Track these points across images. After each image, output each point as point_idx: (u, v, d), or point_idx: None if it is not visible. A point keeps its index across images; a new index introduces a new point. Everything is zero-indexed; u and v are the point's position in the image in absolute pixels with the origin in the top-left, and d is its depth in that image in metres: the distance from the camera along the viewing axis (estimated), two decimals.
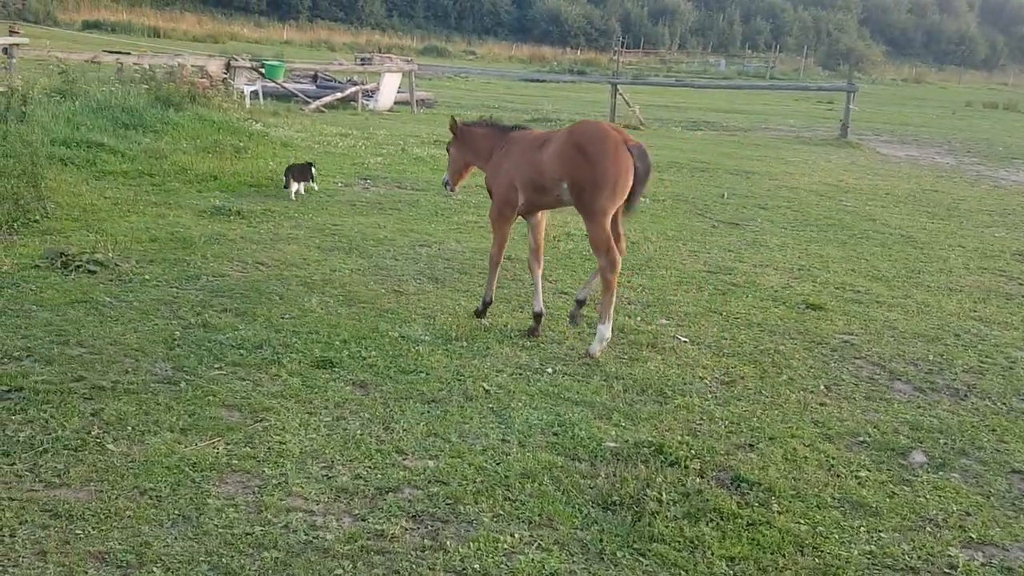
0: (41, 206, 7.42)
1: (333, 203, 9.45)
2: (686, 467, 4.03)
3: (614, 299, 5.54)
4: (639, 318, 6.31)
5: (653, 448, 4.18)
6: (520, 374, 5.11)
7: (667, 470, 4.00)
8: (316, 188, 9.88)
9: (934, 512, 3.88)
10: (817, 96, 35.84)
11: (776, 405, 4.93)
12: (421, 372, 4.98)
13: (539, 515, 3.55)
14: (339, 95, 20.44)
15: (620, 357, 5.51)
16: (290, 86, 20.62)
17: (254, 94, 18.66)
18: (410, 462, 3.94)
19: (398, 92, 21.98)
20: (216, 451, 3.91)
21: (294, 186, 9.44)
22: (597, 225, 5.42)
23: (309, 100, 19.50)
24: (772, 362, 5.61)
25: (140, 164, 10.11)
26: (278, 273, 6.66)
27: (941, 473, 4.25)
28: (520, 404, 4.66)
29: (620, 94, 22.42)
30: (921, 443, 4.56)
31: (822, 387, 5.26)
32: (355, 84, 21.76)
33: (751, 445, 4.38)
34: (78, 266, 6.19)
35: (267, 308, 5.83)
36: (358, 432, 4.18)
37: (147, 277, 6.24)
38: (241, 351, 5.04)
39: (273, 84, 19.53)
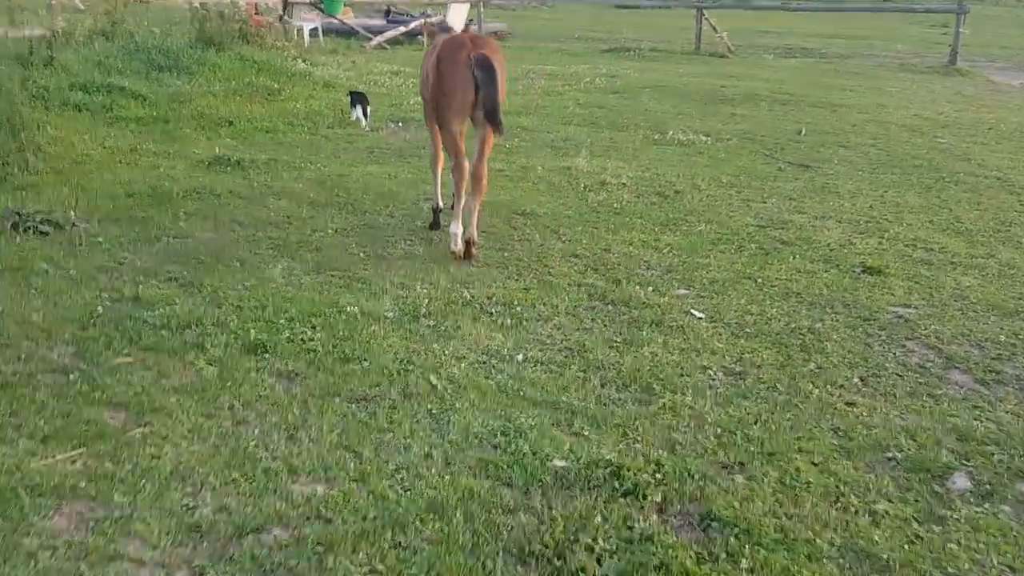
0: (22, 158, 6.90)
1: (351, 149, 8.71)
2: (644, 497, 3.17)
3: (461, 205, 5.81)
4: (651, 287, 5.38)
5: (609, 469, 3.32)
6: (482, 363, 4.29)
7: (618, 502, 3.14)
8: (366, 127, 9.64)
9: (967, 566, 2.92)
10: (930, 19, 32.99)
11: (790, 406, 3.98)
12: (364, 360, 4.22)
13: (427, 573, 2.75)
14: (402, 29, 19.59)
15: (611, 340, 4.62)
16: (352, 21, 19.88)
17: (313, 31, 17.99)
18: (299, 486, 3.20)
19: (468, 24, 20.95)
20: (72, 467, 3.24)
21: (358, 110, 9.73)
22: (446, 133, 5.77)
23: (371, 36, 18.72)
24: (801, 345, 4.63)
25: (159, 109, 9.57)
26: (251, 234, 5.97)
27: (986, 506, 3.26)
28: (466, 405, 3.85)
29: (706, 19, 20.85)
30: (968, 461, 3.56)
31: (856, 380, 4.26)
32: (425, 17, 20.83)
33: (741, 464, 3.47)
34: (29, 227, 5.64)
35: (219, 277, 5.14)
36: (253, 443, 3.45)
37: (100, 240, 5.63)
38: (163, 332, 4.37)
39: (335, 20, 18.80)
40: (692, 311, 5.05)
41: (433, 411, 3.78)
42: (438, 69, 5.63)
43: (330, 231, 6.15)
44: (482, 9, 20.79)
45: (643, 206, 7.23)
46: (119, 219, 6.05)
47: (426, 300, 4.97)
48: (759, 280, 5.60)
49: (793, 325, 4.90)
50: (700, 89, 13.92)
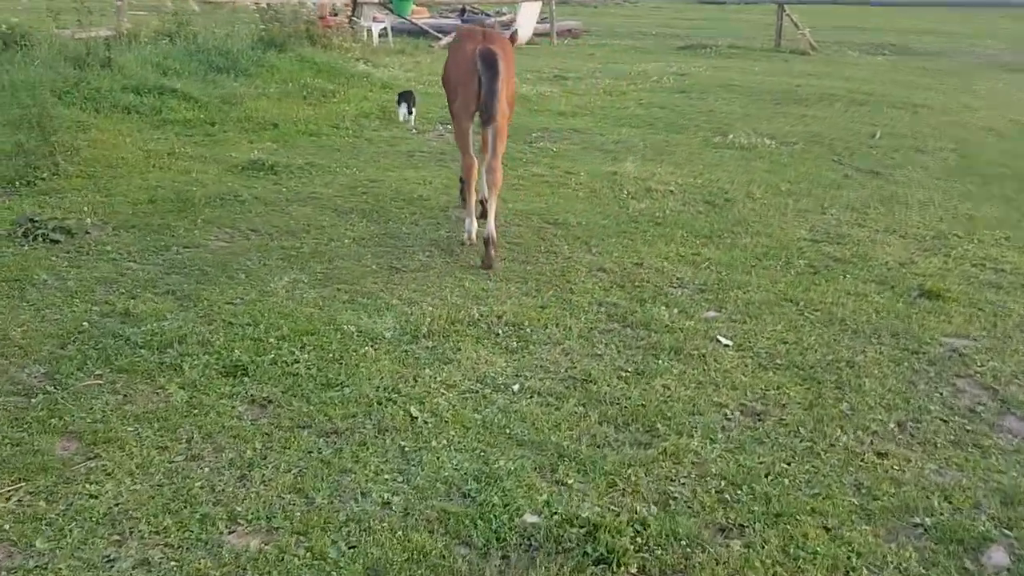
0: (52, 161, 6.82)
1: (391, 153, 8.45)
2: (619, 567, 2.76)
3: (472, 202, 5.87)
4: (678, 309, 4.94)
5: (585, 529, 2.94)
6: (474, 392, 3.94)
7: (587, 572, 2.75)
8: (412, 127, 9.64)
9: None
10: None
11: (811, 455, 3.52)
12: (347, 386, 3.91)
13: None
14: None
15: (621, 369, 4.20)
16: (424, 21, 19.73)
17: (383, 32, 17.88)
18: (234, 538, 2.91)
19: (541, 22, 20.61)
20: (4, 505, 3.01)
21: (403, 108, 9.69)
22: (456, 126, 5.83)
23: (440, 36, 18.51)
24: (836, 381, 4.14)
25: (207, 111, 9.47)
26: (264, 243, 5.73)
27: None
28: (443, 443, 3.50)
29: (787, 15, 20.04)
30: (1010, 531, 3.06)
31: (892, 425, 3.77)
32: (498, 15, 20.55)
33: (740, 527, 3.04)
34: (41, 234, 5.51)
35: (219, 290, 4.91)
36: (200, 483, 3.17)
37: (109, 248, 5.47)
38: (143, 351, 4.14)
39: (403, 20, 18.67)
40: (719, 337, 4.61)
41: (406, 449, 3.45)
42: (446, 62, 5.81)
43: (347, 240, 5.88)
44: (554, 7, 20.35)
45: (688, 215, 6.77)
46: (135, 226, 5.89)
47: (430, 318, 4.64)
48: (801, 303, 5.10)
49: (831, 357, 4.40)
50: (772, 88, 13.27)
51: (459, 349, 4.36)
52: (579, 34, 22.72)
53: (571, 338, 4.56)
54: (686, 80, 14.07)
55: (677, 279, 5.45)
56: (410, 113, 9.87)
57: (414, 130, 9.61)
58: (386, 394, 3.86)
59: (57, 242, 5.48)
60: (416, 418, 3.67)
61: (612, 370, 4.20)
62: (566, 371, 4.19)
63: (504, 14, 21.79)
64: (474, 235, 5.83)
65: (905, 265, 5.81)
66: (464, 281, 5.31)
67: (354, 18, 17.35)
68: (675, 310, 4.94)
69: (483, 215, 5.82)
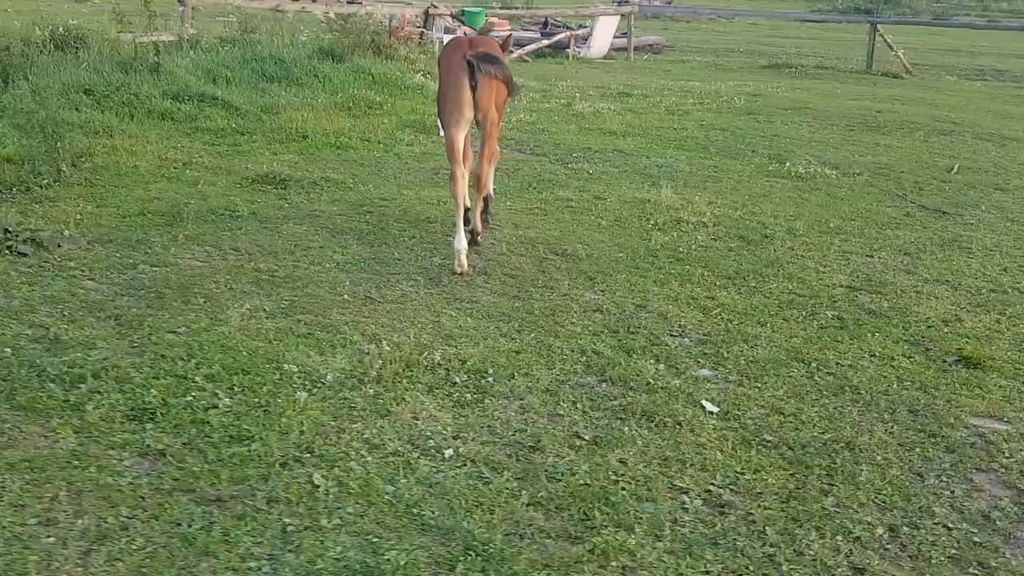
0: (54, 168, 6.63)
1: (416, 170, 8.03)
2: None
3: (460, 213, 5.60)
4: (669, 363, 4.36)
5: None
6: (398, 456, 3.45)
7: None
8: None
9: None
10: None
11: (771, 565, 2.91)
12: (256, 441, 3.47)
13: None
14: (545, 43, 18.94)
15: (578, 436, 3.66)
16: (497, 34, 19.35)
17: None
18: None
19: (619, 37, 20.04)
20: None
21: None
22: (445, 135, 5.68)
23: (512, 50, 18.10)
24: (827, 467, 3.51)
25: (243, 121, 9.26)
26: (240, 265, 5.36)
27: None
28: (336, 522, 3.02)
29: (881, 35, 18.99)
30: None
31: (882, 530, 3.12)
32: (571, 29, 20.09)
33: None
34: (9, 246, 5.26)
35: (168, 316, 4.55)
36: (36, 558, 2.77)
37: (73, 264, 5.18)
38: (53, 385, 3.79)
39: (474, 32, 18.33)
40: (704, 402, 4.01)
41: (289, 528, 2.97)
42: (438, 70, 5.80)
43: (331, 264, 5.47)
44: (633, 21, 19.75)
45: (715, 252, 6.15)
46: (113, 240, 5.61)
47: (386, 360, 4.18)
48: (814, 364, 4.46)
49: (829, 435, 3.76)
50: (849, 113, 12.42)
51: (402, 400, 3.87)
52: (661, 49, 22.07)
53: (535, 392, 4.03)
54: (758, 101, 13.32)
55: (679, 327, 4.86)
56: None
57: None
58: (297, 453, 3.40)
59: (24, 255, 5.22)
60: (318, 487, 3.19)
61: (567, 436, 3.65)
62: (514, 434, 3.66)
63: (585, 27, 21.29)
64: (463, 259, 5.47)
65: (948, 323, 5.08)
66: (441, 316, 4.83)
67: (424, 30, 17.09)
68: (664, 365, 4.36)
69: (467, 223, 5.81)
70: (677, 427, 3.77)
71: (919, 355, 4.63)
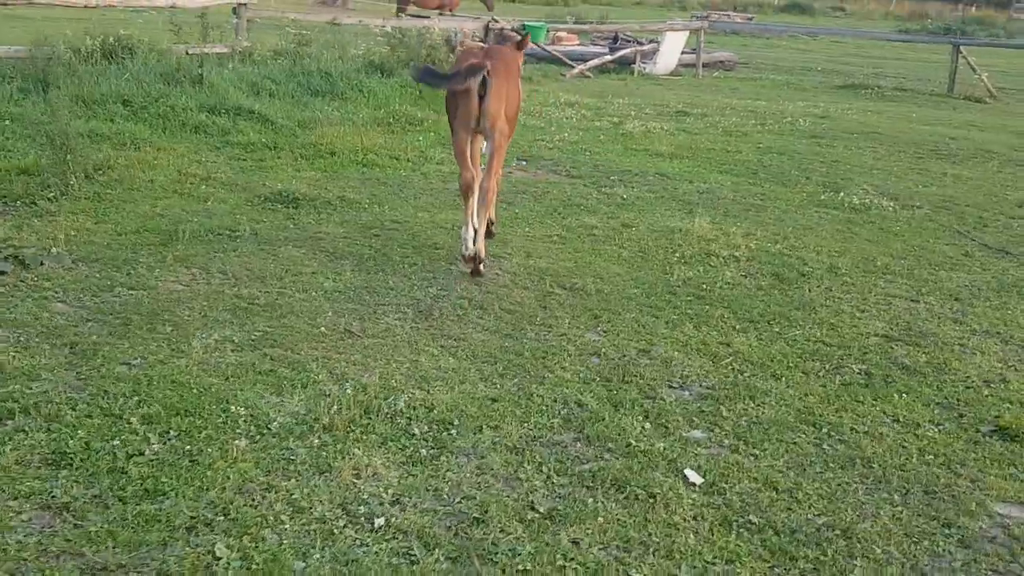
0: (63, 181, 6.49)
1: (439, 191, 7.70)
2: None
3: (470, 219, 5.58)
4: (658, 421, 3.90)
5: None
6: (323, 523, 3.08)
7: None
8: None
9: None
10: None
11: None
12: (170, 498, 3.15)
13: None
14: (608, 57, 18.47)
15: (531, 507, 3.25)
16: (566, 48, 19.02)
17: None
18: None
19: (688, 53, 19.47)
20: None
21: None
22: (454, 141, 5.76)
23: (573, 65, 17.74)
24: (815, 560, 3.06)
25: (275, 135, 9.07)
26: (222, 290, 5.09)
27: None
28: None
29: (963, 57, 18.02)
30: None
31: None
32: (641, 44, 19.56)
33: None
34: None
35: (127, 345, 4.29)
36: None
37: (49, 284, 4.97)
38: None
39: (537, 47, 18.00)
40: (688, 471, 3.54)
41: None
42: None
43: (319, 292, 5.15)
44: (703, 37, 19.15)
45: (742, 290, 5.65)
46: (99, 259, 5.40)
47: (345, 404, 3.82)
48: (825, 428, 3.95)
49: (825, 519, 3.26)
50: (920, 139, 11.69)
51: (348, 453, 3.51)
52: (733, 67, 21.39)
53: (499, 450, 3.62)
54: (824, 123, 12.66)
55: (681, 377, 4.40)
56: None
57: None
58: (210, 515, 3.06)
59: (3, 273, 5.02)
60: (219, 559, 2.85)
61: (520, 507, 3.24)
62: (461, 501, 3.26)
63: (656, 41, 20.79)
64: (471, 247, 5.55)
65: (991, 384, 4.49)
66: (422, 355, 4.46)
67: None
68: (652, 423, 3.91)
69: (488, 234, 5.97)
70: (650, 501, 3.32)
71: (950, 422, 4.07)
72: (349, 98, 11.27)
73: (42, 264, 5.20)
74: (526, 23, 17.68)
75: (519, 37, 6.42)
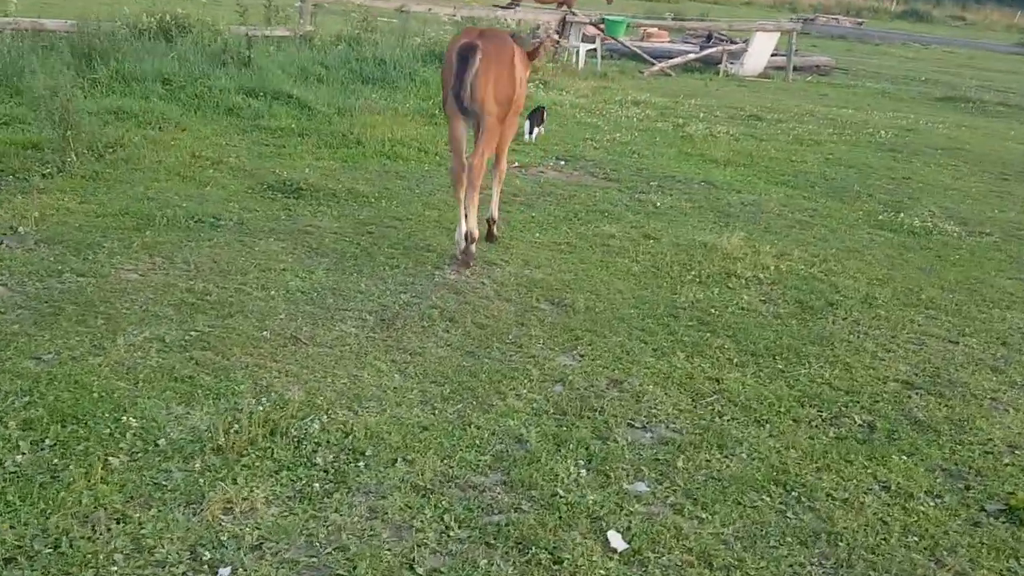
0: (59, 159, 6.31)
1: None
2: None
3: (461, 207, 5.39)
4: (601, 469, 3.40)
5: None
6: (158, 568, 2.68)
7: None
8: (540, 134, 9.35)
9: None
10: None
11: None
12: (3, 520, 2.79)
13: None
14: (691, 56, 17.73)
15: (411, 567, 2.79)
16: (644, 45, 18.37)
17: (592, 53, 16.74)
18: None
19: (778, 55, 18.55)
20: None
21: (535, 131, 9.20)
22: (448, 127, 5.48)
23: (654, 62, 17.08)
24: None
25: (309, 122, 8.81)
26: (174, 283, 4.78)
27: None
28: None
29: None
30: None
31: None
32: (735, 43, 18.71)
33: None
34: None
35: (46, 339, 4.01)
36: None
37: None
38: None
39: (616, 42, 17.42)
40: (612, 534, 3.03)
41: None
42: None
43: (280, 292, 4.79)
44: (795, 39, 18.19)
45: (755, 318, 5.06)
46: (63, 241, 5.17)
47: (248, 423, 3.42)
48: (796, 492, 3.37)
49: None
50: (1010, 159, 10.71)
51: (231, 480, 3.12)
52: (828, 71, 20.33)
53: (404, 489, 3.18)
54: (908, 136, 11.74)
55: (649, 415, 3.87)
56: (531, 132, 9.10)
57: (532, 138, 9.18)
58: (38, 547, 2.74)
59: None
60: None
61: (396, 565, 2.79)
62: (331, 553, 2.83)
63: (734, 42, 19.96)
64: (464, 247, 5.39)
65: (1017, 450, 3.82)
66: (366, 370, 4.04)
67: (560, 40, 16.32)
68: (591, 470, 3.40)
69: (489, 236, 5.93)
70: (553, 568, 2.82)
71: (952, 494, 3.44)
72: (399, 87, 10.95)
73: (1, 243, 4.97)
74: (605, 17, 17.08)
75: (537, 43, 6.17)
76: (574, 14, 16.65)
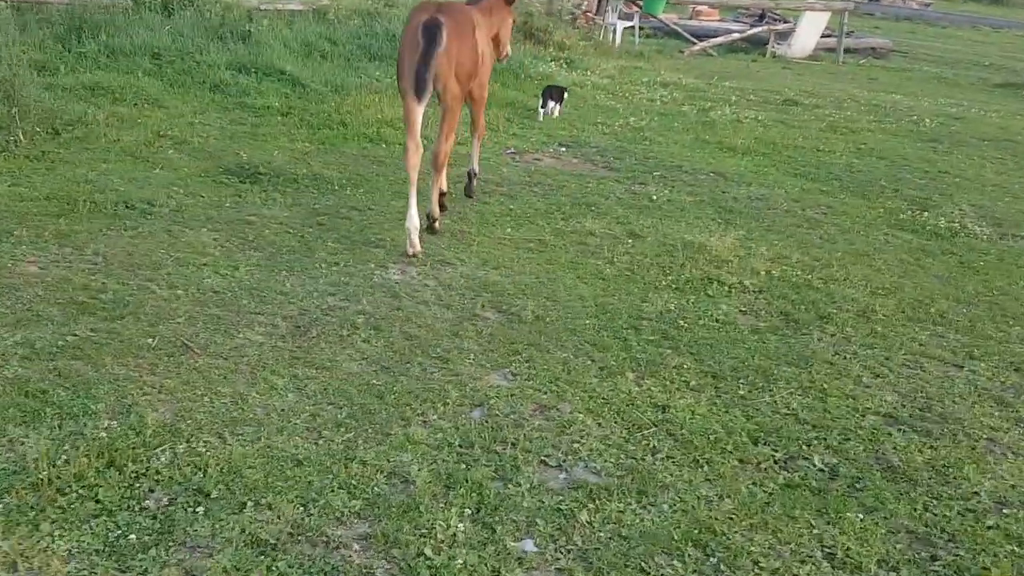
0: (5, 134, 5.93)
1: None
2: None
3: (412, 190, 5.02)
4: (487, 519, 2.87)
5: None
6: None
7: None
8: (555, 115, 8.97)
9: None
10: None
11: None
12: None
13: None
14: (735, 35, 16.87)
15: None
16: (686, 23, 17.56)
17: (630, 30, 16.01)
18: None
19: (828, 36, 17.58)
20: None
21: (550, 105, 8.87)
22: (402, 105, 5.08)
23: (695, 41, 16.27)
24: None
25: (298, 101, 8.37)
26: (71, 278, 4.35)
27: None
28: None
29: None
30: None
31: None
32: (785, 22, 17.77)
33: None
34: None
35: None
36: None
37: None
38: None
39: (654, 19, 16.66)
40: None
41: None
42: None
43: (189, 291, 4.34)
44: (846, 19, 17.19)
45: (728, 333, 4.46)
46: None
47: (85, 452, 2.96)
48: (717, 557, 2.83)
49: None
50: None
51: (34, 527, 2.65)
52: (885, 54, 19.25)
53: (240, 544, 2.71)
54: (954, 126, 10.86)
55: (570, 451, 3.33)
56: (544, 106, 8.80)
57: (542, 118, 8.83)
58: None
59: None
60: None
61: None
62: None
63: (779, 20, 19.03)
64: (415, 239, 5.02)
65: (1006, 506, 3.18)
66: (256, 388, 3.57)
67: (595, 16, 15.63)
68: (478, 521, 2.89)
69: (468, 190, 5.99)
70: None
71: (909, 566, 2.82)
72: None
73: None
74: None
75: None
76: None
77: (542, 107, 8.85)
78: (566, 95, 9.25)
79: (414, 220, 4.99)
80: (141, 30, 9.28)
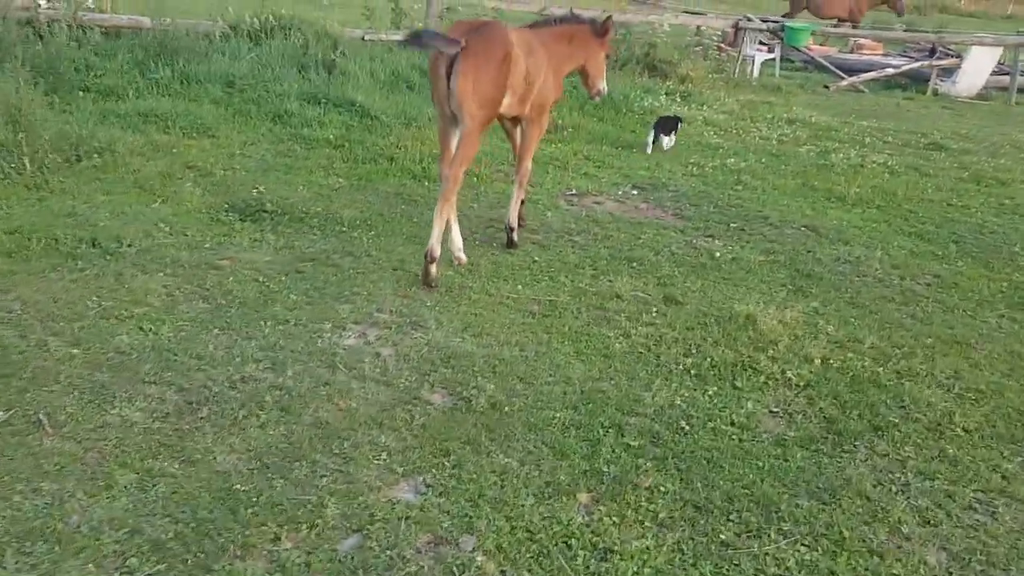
0: (6, 163, 5.64)
1: (468, 217, 5.97)
2: None
3: (441, 217, 4.73)
4: None
5: None
6: None
7: None
8: (665, 147, 8.45)
9: None
10: None
11: None
12: None
13: None
14: (890, 71, 15.28)
15: None
16: (835, 56, 16.09)
17: (770, 63, 14.82)
18: None
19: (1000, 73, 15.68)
20: None
21: (664, 140, 8.41)
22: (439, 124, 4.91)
23: (843, 77, 14.84)
24: None
25: (363, 132, 7.84)
26: (21, 319, 3.83)
27: None
28: None
29: None
30: None
31: None
32: (949, 56, 15.97)
33: None
34: None
35: None
36: None
37: None
38: None
39: (798, 51, 15.33)
40: None
41: None
42: None
43: (87, 351, 3.76)
44: (1021, 56, 15.24)
45: (740, 442, 3.51)
46: None
47: None
48: None
49: None
50: None
51: None
52: None
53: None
54: None
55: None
56: (654, 141, 8.34)
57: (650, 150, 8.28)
58: None
59: None
60: None
61: None
62: None
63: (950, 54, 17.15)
64: (436, 249, 4.74)
65: None
66: (85, 488, 2.93)
67: (729, 48, 14.51)
68: None
69: (509, 243, 5.50)
70: None
71: None
72: None
73: None
74: (787, 24, 15.03)
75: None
76: (749, 20, 14.77)
77: (652, 140, 8.27)
78: (680, 125, 8.67)
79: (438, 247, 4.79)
80: (221, 57, 9.02)
